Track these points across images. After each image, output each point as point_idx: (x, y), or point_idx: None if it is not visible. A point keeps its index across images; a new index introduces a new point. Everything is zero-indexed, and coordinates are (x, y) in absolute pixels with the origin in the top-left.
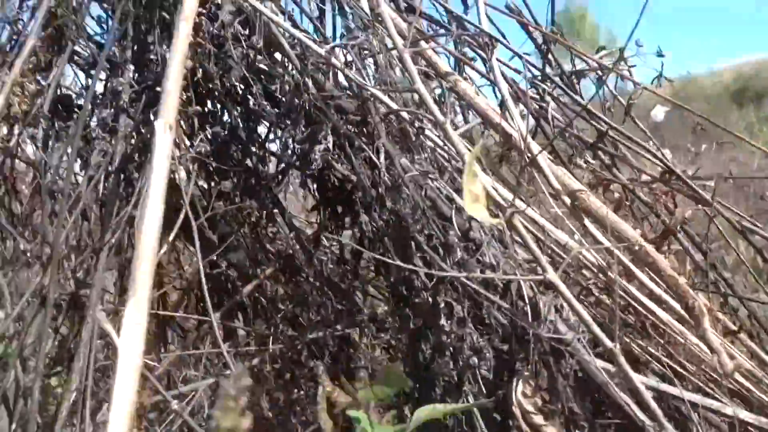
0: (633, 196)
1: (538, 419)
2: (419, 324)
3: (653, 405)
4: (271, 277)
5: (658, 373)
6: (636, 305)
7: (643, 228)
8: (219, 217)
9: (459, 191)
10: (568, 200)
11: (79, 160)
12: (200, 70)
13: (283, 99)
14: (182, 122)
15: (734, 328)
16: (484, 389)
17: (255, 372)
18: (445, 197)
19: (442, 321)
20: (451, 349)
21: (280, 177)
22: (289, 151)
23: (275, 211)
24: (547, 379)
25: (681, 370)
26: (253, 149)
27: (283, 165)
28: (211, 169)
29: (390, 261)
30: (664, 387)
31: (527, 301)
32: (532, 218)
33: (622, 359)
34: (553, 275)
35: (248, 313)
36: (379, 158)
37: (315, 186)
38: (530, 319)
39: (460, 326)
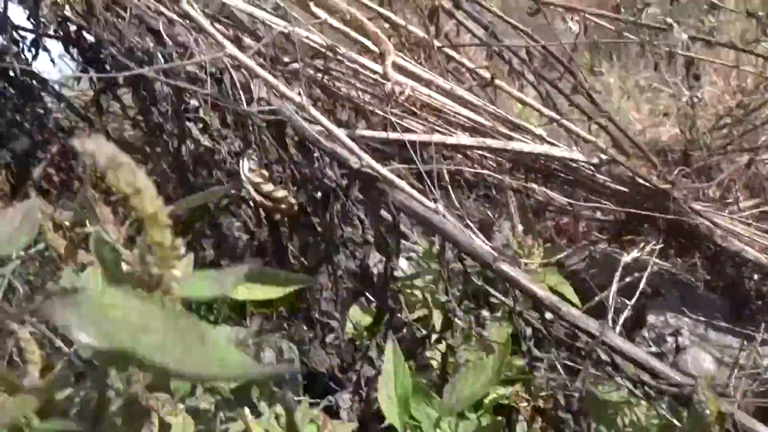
0: None
1: (267, 187)
2: None
3: (346, 141)
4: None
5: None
6: (349, 63)
7: None
8: None
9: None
10: None
11: None
12: None
13: None
14: None
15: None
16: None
17: None
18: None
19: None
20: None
21: None
22: None
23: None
24: (272, 150)
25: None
26: None
27: None
28: None
29: None
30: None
31: (239, 87)
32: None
33: (312, 110)
34: (230, 47)
35: None
36: None
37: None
38: (245, 104)
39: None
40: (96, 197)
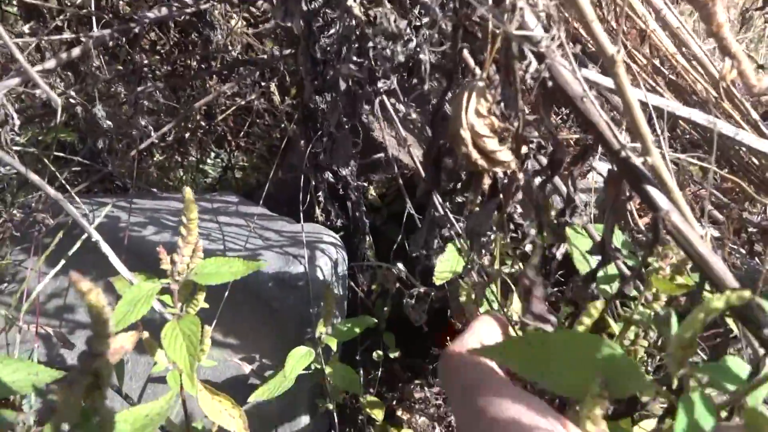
0: None
1: (492, 144)
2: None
3: (644, 128)
4: None
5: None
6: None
7: None
8: None
9: None
10: None
11: None
12: None
13: None
14: None
15: None
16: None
17: None
18: None
19: None
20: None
21: None
22: None
23: None
24: (501, 87)
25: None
26: None
27: None
28: None
29: None
30: (660, 101)
31: None
32: None
33: (621, 69)
34: None
35: None
36: None
37: None
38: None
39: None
40: None
